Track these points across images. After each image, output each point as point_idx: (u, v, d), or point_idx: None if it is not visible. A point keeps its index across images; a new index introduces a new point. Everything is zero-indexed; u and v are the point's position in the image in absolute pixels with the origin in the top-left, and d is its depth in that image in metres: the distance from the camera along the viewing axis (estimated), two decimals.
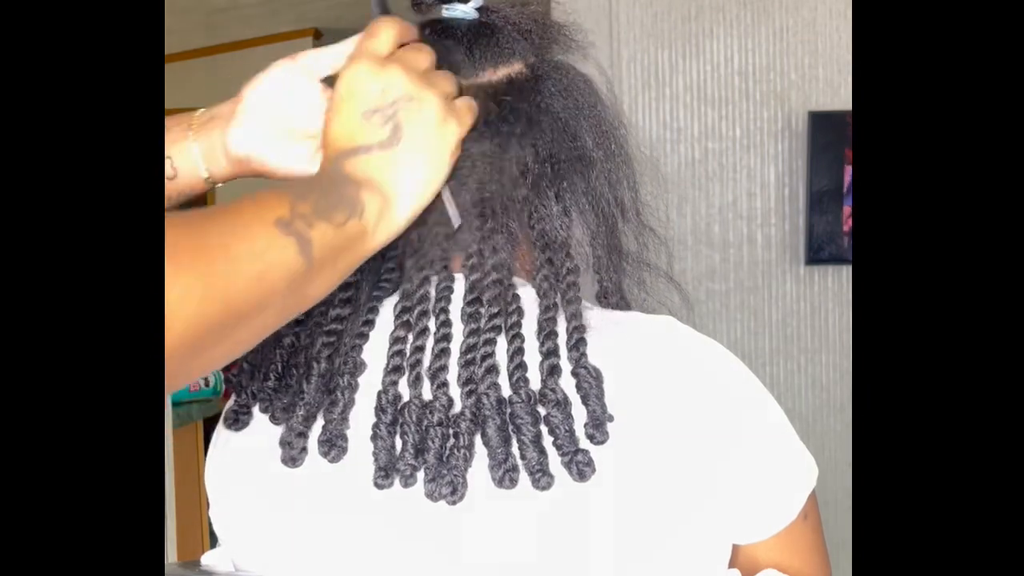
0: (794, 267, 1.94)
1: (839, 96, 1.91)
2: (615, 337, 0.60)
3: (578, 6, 1.91)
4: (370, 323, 0.63)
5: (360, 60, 0.59)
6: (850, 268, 1.90)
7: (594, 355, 0.58)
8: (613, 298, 0.71)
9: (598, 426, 0.55)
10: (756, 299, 1.95)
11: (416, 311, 0.61)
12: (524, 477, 0.56)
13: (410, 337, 0.60)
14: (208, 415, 2.47)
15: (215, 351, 0.46)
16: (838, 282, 1.93)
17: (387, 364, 0.59)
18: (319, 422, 0.60)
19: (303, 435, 0.59)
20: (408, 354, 0.60)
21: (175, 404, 2.34)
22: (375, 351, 0.61)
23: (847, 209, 1.86)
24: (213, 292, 0.43)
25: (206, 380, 2.52)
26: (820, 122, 1.87)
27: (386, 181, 0.56)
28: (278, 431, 0.61)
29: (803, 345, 1.94)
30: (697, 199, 1.95)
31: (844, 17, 1.90)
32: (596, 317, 0.61)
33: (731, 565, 0.62)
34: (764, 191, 1.94)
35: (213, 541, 0.63)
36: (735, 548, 0.62)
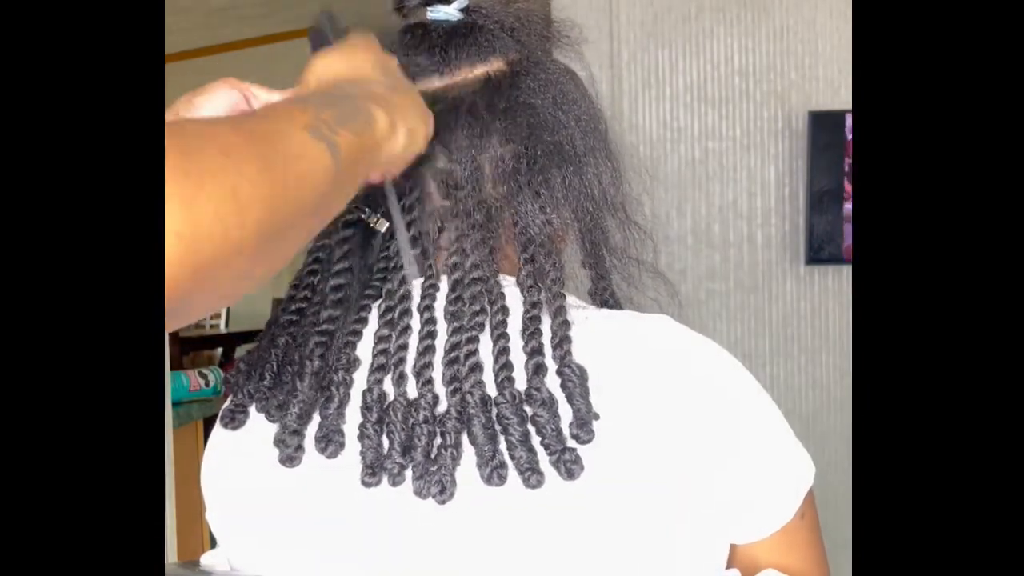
0: (794, 267, 1.94)
1: (839, 96, 1.91)
2: (608, 336, 0.60)
3: (578, 6, 1.91)
4: (362, 320, 0.63)
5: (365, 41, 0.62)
6: (850, 268, 1.90)
7: (587, 354, 0.58)
8: (604, 295, 0.71)
9: (583, 425, 0.55)
10: (756, 299, 1.95)
11: (398, 310, 0.62)
12: (515, 476, 0.56)
13: (393, 336, 0.61)
14: (208, 415, 2.47)
15: (270, 257, 0.46)
16: (838, 282, 1.93)
17: (372, 363, 0.60)
18: (315, 421, 0.60)
19: (297, 433, 0.60)
20: (392, 352, 0.60)
21: (175, 404, 2.34)
22: (368, 349, 0.62)
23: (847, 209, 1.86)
24: (274, 190, 0.43)
25: (206, 380, 2.52)
26: (820, 122, 1.87)
27: (390, 107, 0.57)
28: (273, 431, 0.61)
29: (803, 345, 1.94)
30: (697, 199, 1.95)
31: (844, 17, 1.90)
32: (587, 315, 0.61)
33: (730, 565, 0.62)
34: (764, 191, 1.94)
35: (213, 541, 0.63)
36: (733, 547, 0.62)
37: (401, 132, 0.57)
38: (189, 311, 0.42)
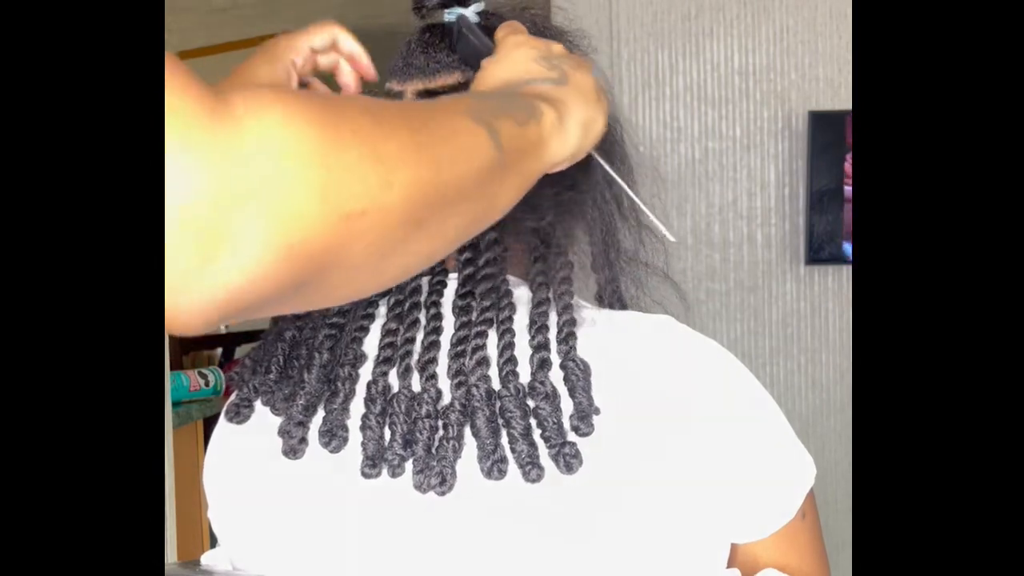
0: (794, 267, 1.94)
1: (839, 96, 1.91)
2: (613, 335, 0.60)
3: (578, 6, 1.90)
4: (370, 316, 0.63)
5: (519, 30, 0.62)
6: (850, 268, 1.90)
7: (591, 352, 0.58)
8: (611, 298, 0.71)
9: (583, 418, 0.56)
10: (756, 299, 1.94)
11: (408, 304, 0.62)
12: (515, 470, 0.56)
13: (401, 329, 0.61)
14: (208, 415, 2.46)
15: (428, 232, 0.44)
16: (838, 282, 1.93)
17: (378, 355, 0.60)
18: (319, 414, 0.60)
19: (302, 424, 0.60)
20: (399, 345, 0.61)
21: (175, 404, 2.34)
22: (375, 344, 0.62)
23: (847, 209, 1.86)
24: (424, 157, 0.42)
25: (206, 380, 2.52)
26: (820, 122, 1.87)
27: (558, 103, 0.56)
28: (277, 426, 0.61)
29: (803, 345, 1.94)
30: (697, 199, 1.95)
31: (844, 17, 1.90)
32: (594, 316, 0.62)
33: (730, 564, 0.62)
34: (764, 191, 1.94)
35: (213, 541, 0.63)
36: (734, 547, 0.62)
37: (572, 127, 0.56)
38: (342, 274, 0.40)
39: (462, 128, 0.46)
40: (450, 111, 0.47)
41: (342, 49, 0.73)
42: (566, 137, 0.55)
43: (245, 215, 0.35)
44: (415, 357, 0.60)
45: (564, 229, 0.66)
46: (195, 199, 0.34)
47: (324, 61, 0.74)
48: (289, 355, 0.63)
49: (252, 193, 0.35)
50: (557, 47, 0.61)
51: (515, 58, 0.59)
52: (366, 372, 0.61)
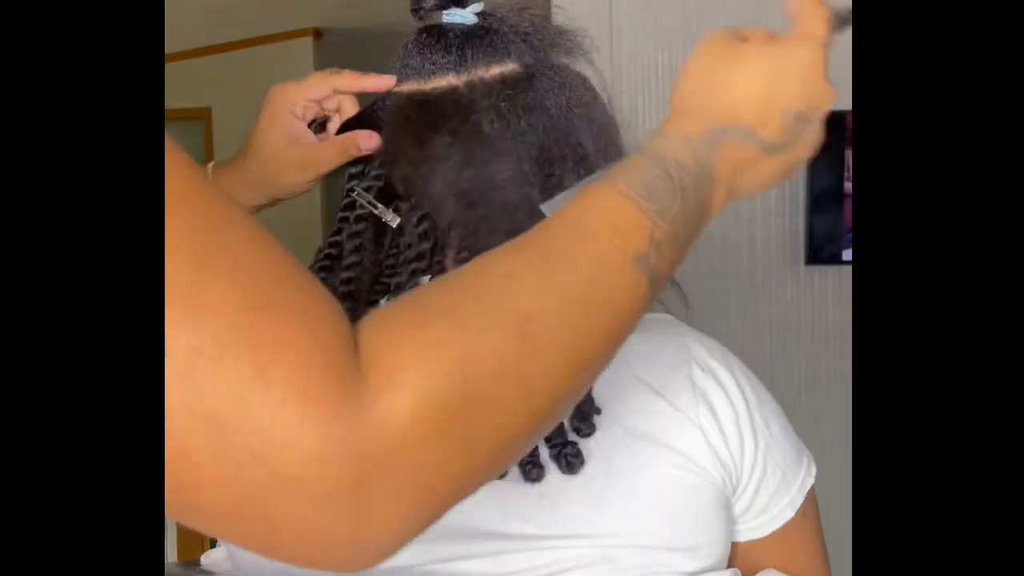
0: (794, 267, 1.94)
1: (839, 96, 1.91)
2: None
3: (578, 6, 1.90)
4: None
5: (822, 48, 0.58)
6: (850, 268, 1.90)
7: None
8: None
9: (584, 419, 0.56)
10: (756, 299, 1.95)
11: None
12: (515, 469, 0.56)
13: None
14: None
15: (565, 408, 0.43)
16: (838, 282, 1.93)
17: None
18: None
19: None
20: None
21: None
22: None
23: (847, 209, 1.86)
24: (579, 363, 0.41)
25: None
26: None
27: (742, 181, 0.53)
28: None
29: (803, 345, 1.94)
30: None
31: None
32: None
33: (731, 563, 0.62)
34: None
35: (213, 541, 0.63)
36: (734, 546, 0.62)
37: (734, 194, 0.52)
38: (463, 446, 0.38)
39: (623, 287, 0.43)
40: (620, 254, 0.43)
41: (348, 91, 0.73)
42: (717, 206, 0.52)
43: (387, 487, 0.35)
44: None
45: None
46: (332, 478, 0.34)
47: (328, 104, 0.75)
48: None
49: (387, 464, 0.35)
50: (826, 98, 0.57)
51: (770, 93, 0.54)
52: None
